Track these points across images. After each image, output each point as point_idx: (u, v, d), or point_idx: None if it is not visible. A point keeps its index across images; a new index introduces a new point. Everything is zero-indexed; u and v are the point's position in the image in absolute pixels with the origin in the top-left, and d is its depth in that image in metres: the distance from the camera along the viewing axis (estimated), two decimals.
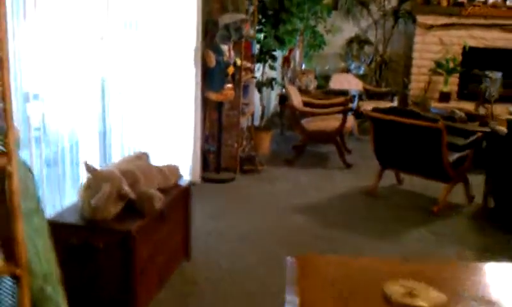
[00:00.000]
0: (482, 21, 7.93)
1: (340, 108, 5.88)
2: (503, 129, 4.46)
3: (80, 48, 3.17)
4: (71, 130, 3.18)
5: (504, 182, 4.38)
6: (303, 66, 8.25)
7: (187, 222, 3.51)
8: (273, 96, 8.17)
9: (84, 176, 2.98)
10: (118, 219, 2.76)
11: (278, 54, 6.90)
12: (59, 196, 3.11)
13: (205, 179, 5.29)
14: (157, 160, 4.24)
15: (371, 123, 4.92)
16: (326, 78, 8.32)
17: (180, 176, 3.43)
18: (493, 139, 4.62)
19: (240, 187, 5.19)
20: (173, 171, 3.36)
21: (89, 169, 2.75)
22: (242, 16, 4.98)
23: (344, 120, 5.82)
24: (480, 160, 4.95)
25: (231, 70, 5.09)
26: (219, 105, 5.27)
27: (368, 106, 7.12)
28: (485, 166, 4.81)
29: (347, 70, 8.63)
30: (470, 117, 6.25)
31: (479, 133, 4.89)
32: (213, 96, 5.11)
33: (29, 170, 1.94)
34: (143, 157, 3.25)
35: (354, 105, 6.96)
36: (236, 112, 5.55)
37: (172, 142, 4.79)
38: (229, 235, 4.03)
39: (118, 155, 3.77)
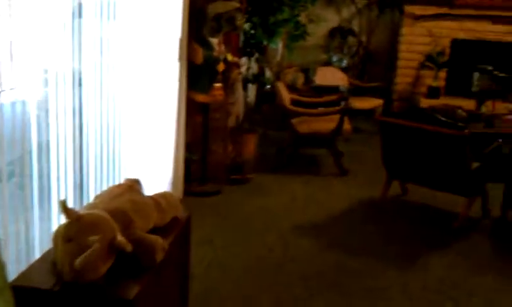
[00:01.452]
0: (473, 12, 7.48)
1: (337, 108, 5.28)
2: None
3: (50, 41, 2.45)
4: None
5: None
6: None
7: (187, 265, 2.83)
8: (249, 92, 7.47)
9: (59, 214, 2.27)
10: (107, 277, 2.06)
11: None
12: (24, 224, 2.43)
13: (188, 192, 4.60)
14: (134, 173, 3.56)
15: (380, 128, 4.35)
16: (306, 71, 7.71)
17: (179, 208, 2.74)
18: None
19: (230, 202, 4.53)
20: (171, 202, 2.67)
21: (70, 213, 2.03)
22: (236, 4, 4.29)
23: (342, 121, 5.23)
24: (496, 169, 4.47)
25: (221, 67, 4.41)
26: (205, 107, 4.59)
27: (357, 103, 6.59)
28: (505, 176, 4.31)
29: (328, 63, 8.02)
30: (472, 117, 5.77)
31: (500, 140, 4.38)
32: (199, 97, 4.42)
33: None
34: (134, 186, 2.54)
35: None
36: (223, 115, 4.87)
37: (150, 150, 4.06)
38: (231, 268, 3.37)
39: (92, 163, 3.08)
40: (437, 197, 4.66)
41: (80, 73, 2.85)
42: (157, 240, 2.26)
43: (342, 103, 5.57)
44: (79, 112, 2.95)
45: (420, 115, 4.17)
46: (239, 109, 5.58)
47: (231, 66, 4.83)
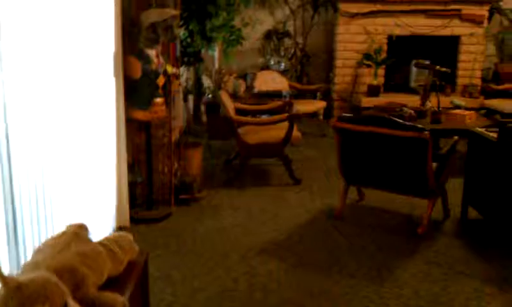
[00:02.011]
0: (406, 7, 7.48)
1: (286, 115, 5.03)
2: (491, 134, 3.86)
3: None
4: None
5: (499, 192, 3.79)
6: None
7: None
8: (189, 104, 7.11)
9: None
10: None
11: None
12: None
13: (135, 219, 4.19)
14: (73, 206, 3.15)
15: (337, 135, 4.13)
16: (245, 77, 7.44)
17: (134, 251, 2.37)
18: (479, 144, 4.02)
19: (182, 226, 4.16)
20: (125, 246, 2.30)
21: (7, 281, 1.63)
22: (172, 11, 3.93)
23: (291, 129, 4.98)
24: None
25: (161, 80, 4.03)
26: (146, 125, 4.20)
27: (299, 107, 6.38)
28: (466, 174, 4.22)
29: (266, 67, 7.79)
30: (419, 114, 5.70)
31: (456, 137, 4.28)
32: (140, 115, 4.03)
33: None
34: (80, 233, 2.15)
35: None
36: (166, 131, 4.49)
37: (90, 178, 3.63)
38: None
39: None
40: (395, 200, 4.52)
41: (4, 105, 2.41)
42: (116, 299, 1.90)
43: (289, 110, 5.32)
44: (6, 146, 2.52)
45: (378, 119, 3.98)
46: (180, 122, 5.22)
47: (171, 78, 4.46)
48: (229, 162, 5.69)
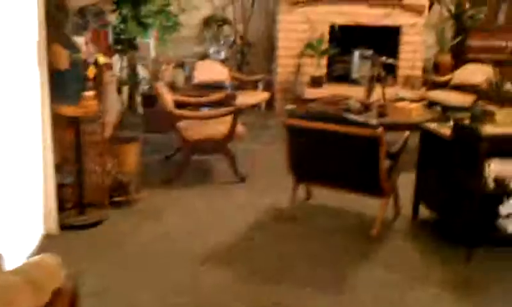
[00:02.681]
0: None
1: (230, 109, 4.71)
2: (444, 131, 3.71)
3: None
4: None
5: (452, 191, 3.66)
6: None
7: None
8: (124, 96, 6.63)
9: None
10: None
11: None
12: None
13: (64, 226, 3.77)
14: None
15: (287, 131, 3.86)
16: (184, 67, 7.05)
17: (60, 277, 2.00)
18: (431, 141, 3.87)
19: (118, 232, 3.78)
20: (49, 272, 1.93)
21: None
22: None
23: (234, 124, 4.68)
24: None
25: (91, 71, 3.62)
26: (75, 120, 3.77)
27: (241, 98, 6.08)
28: (417, 172, 4.07)
29: (206, 56, 7.42)
30: (365, 107, 5.55)
31: (407, 133, 4.12)
32: (68, 110, 3.61)
33: None
34: None
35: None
36: (97, 127, 4.08)
37: (12, 179, 3.18)
38: None
39: None
40: (346, 198, 4.28)
41: None
42: None
43: (232, 102, 5.02)
44: None
45: (329, 115, 3.76)
46: (114, 117, 4.80)
47: (103, 69, 4.04)
48: (169, 158, 5.32)
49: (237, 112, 4.69)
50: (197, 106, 5.55)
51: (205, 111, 4.85)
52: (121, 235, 3.73)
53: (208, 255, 3.45)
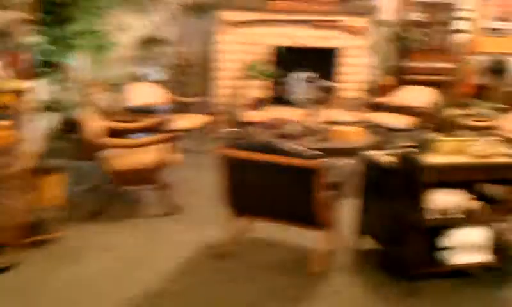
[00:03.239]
0: (289, 17, 7.19)
1: (164, 136, 4.40)
2: (386, 160, 3.55)
3: None
4: None
5: (397, 222, 3.48)
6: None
7: None
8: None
9: None
10: None
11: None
12: None
13: None
14: None
15: (224, 162, 3.60)
16: (117, 90, 6.67)
17: None
18: (374, 169, 3.69)
19: (32, 277, 3.38)
20: None
21: None
22: (16, 14, 3.16)
23: (169, 151, 4.37)
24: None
25: (5, 98, 3.24)
26: None
27: (179, 122, 5.80)
28: (361, 201, 3.88)
29: (142, 77, 7.08)
30: (306, 130, 5.37)
31: (350, 161, 3.95)
32: None
33: None
34: None
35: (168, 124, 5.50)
36: (13, 159, 3.68)
37: None
38: None
39: None
40: (286, 231, 4.01)
41: None
42: None
43: (168, 127, 4.72)
44: None
45: (266, 145, 3.53)
46: (34, 145, 4.39)
47: (18, 95, 3.67)
48: (98, 188, 4.94)
49: (173, 139, 4.39)
50: (129, 132, 5.21)
51: (134, 139, 4.51)
52: (35, 280, 3.33)
53: (132, 303, 3.12)
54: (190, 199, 4.78)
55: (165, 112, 6.07)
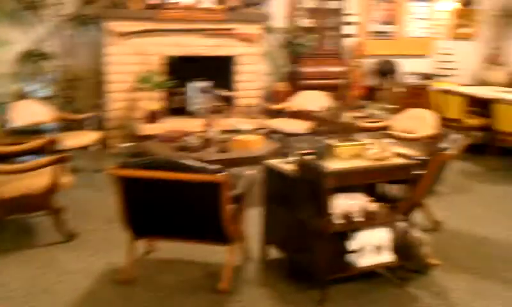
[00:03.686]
0: (181, 26, 7.04)
1: (52, 158, 4.06)
2: (287, 168, 3.52)
3: None
4: None
5: (301, 229, 3.46)
6: None
7: None
8: None
9: None
10: None
11: None
12: None
13: None
14: None
15: (119, 183, 3.37)
16: None
17: None
18: (276, 177, 3.64)
19: None
20: None
21: None
22: None
23: (58, 173, 4.05)
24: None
25: None
26: None
27: (69, 141, 5.44)
28: (264, 211, 3.82)
29: (27, 95, 6.57)
30: (204, 141, 5.24)
31: (252, 172, 3.88)
32: None
33: None
34: None
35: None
36: None
37: None
38: None
39: None
40: (191, 248, 3.86)
41: None
42: None
43: (54, 148, 4.39)
44: None
45: (163, 162, 3.36)
46: None
47: None
48: None
49: (61, 160, 4.08)
50: (15, 156, 4.78)
51: (20, 164, 4.12)
52: None
53: None
54: (87, 223, 4.47)
55: (53, 130, 5.67)
